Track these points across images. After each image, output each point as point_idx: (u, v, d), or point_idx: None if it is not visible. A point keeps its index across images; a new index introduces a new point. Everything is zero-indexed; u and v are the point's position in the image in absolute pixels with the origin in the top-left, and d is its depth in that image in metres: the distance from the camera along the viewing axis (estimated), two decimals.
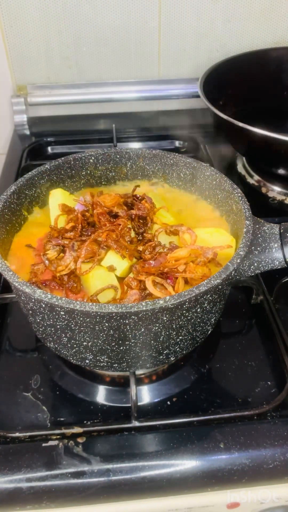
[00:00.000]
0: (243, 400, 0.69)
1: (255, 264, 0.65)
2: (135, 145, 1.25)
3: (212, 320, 0.66)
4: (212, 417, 0.66)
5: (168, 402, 0.69)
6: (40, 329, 0.64)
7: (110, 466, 0.61)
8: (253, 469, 0.62)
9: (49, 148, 1.26)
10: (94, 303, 0.54)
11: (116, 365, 0.63)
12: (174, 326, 0.59)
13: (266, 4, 1.22)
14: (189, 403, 0.69)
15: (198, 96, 1.03)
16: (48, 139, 1.26)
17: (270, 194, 1.07)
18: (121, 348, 0.60)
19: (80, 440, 0.63)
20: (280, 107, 1.23)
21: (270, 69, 1.22)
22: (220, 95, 1.10)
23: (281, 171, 1.00)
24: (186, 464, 0.61)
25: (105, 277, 0.65)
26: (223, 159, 1.19)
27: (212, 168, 0.76)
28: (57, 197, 0.75)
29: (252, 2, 1.22)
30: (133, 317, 0.55)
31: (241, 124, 0.90)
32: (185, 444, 0.63)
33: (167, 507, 0.66)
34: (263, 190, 1.08)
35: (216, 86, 1.08)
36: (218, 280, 0.56)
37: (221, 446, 0.62)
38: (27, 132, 1.30)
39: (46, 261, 0.67)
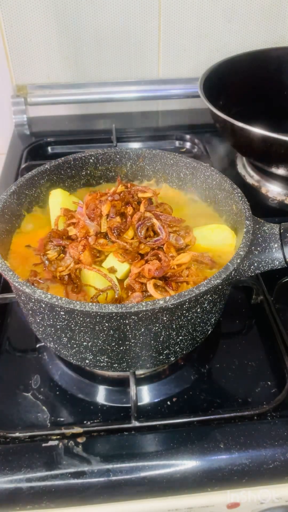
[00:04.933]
0: (243, 400, 0.69)
1: (255, 264, 0.65)
2: (135, 145, 1.25)
3: (212, 320, 0.66)
4: (212, 417, 0.66)
5: (168, 402, 0.69)
6: (40, 329, 0.64)
7: (110, 466, 0.61)
8: (253, 469, 0.62)
9: (49, 148, 1.26)
10: (94, 303, 0.54)
11: (116, 365, 0.63)
12: (174, 326, 0.59)
13: (266, 4, 1.22)
14: (189, 403, 0.69)
15: (198, 96, 1.03)
16: (48, 139, 1.26)
17: (270, 194, 1.07)
18: (121, 348, 0.60)
19: (80, 440, 0.63)
20: (280, 107, 1.23)
21: (270, 69, 1.22)
22: (220, 95, 1.10)
23: (281, 171, 1.00)
24: (186, 464, 0.61)
25: (101, 279, 0.65)
26: (223, 159, 1.19)
27: (212, 168, 0.76)
28: (57, 198, 0.75)
29: (252, 2, 1.22)
30: (133, 317, 0.55)
31: (241, 124, 0.90)
32: (185, 444, 0.63)
33: (167, 507, 0.66)
34: (263, 190, 1.08)
35: (216, 86, 1.08)
36: (218, 280, 0.56)
37: (221, 446, 0.62)
38: (27, 132, 1.30)
39: (46, 261, 0.67)
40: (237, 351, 0.76)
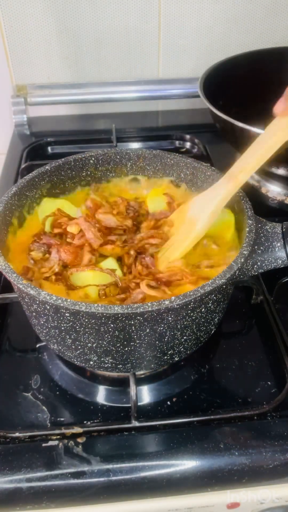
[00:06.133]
0: (243, 400, 0.69)
1: (258, 263, 0.65)
2: (135, 145, 1.25)
3: (216, 319, 0.67)
4: (212, 417, 0.66)
5: (168, 402, 0.69)
6: (44, 331, 0.64)
7: (110, 466, 0.61)
8: (253, 469, 0.62)
9: (49, 148, 1.26)
10: (100, 304, 0.54)
11: (121, 366, 0.63)
12: (179, 326, 0.59)
13: (266, 4, 1.22)
14: (189, 403, 0.69)
15: (198, 96, 1.03)
16: (48, 139, 1.25)
17: (270, 194, 1.07)
18: (126, 349, 0.60)
19: (80, 440, 0.63)
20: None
21: (270, 69, 1.22)
22: (220, 95, 1.09)
23: (281, 171, 1.00)
24: (186, 464, 0.61)
25: (102, 277, 0.65)
26: (223, 159, 1.19)
27: (212, 168, 0.76)
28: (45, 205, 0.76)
29: (252, 1, 1.22)
30: (138, 317, 0.55)
31: (241, 124, 0.90)
32: (185, 444, 0.63)
33: (167, 507, 0.66)
34: (263, 190, 1.08)
35: (216, 86, 1.08)
36: (222, 280, 0.56)
37: (221, 446, 0.62)
38: (27, 132, 1.30)
39: (32, 261, 0.67)
40: (237, 351, 0.76)
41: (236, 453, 0.62)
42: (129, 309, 0.53)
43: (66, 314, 0.56)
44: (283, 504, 0.69)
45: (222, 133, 1.06)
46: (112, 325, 0.56)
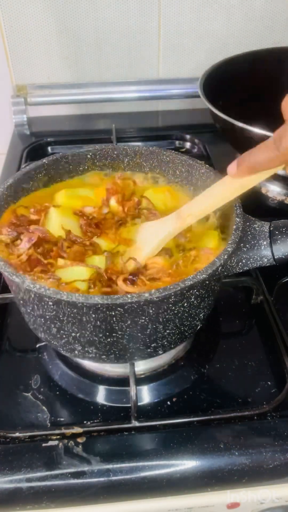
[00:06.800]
0: (243, 400, 0.69)
1: (243, 261, 0.65)
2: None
3: (201, 315, 0.66)
4: (212, 417, 0.66)
5: (168, 402, 0.69)
6: (31, 319, 0.64)
7: (110, 466, 0.61)
8: (253, 469, 0.62)
9: (49, 148, 1.26)
10: (80, 294, 0.54)
11: (104, 356, 0.63)
12: (160, 320, 0.59)
13: (266, 4, 1.22)
14: (189, 403, 0.69)
15: (198, 96, 1.03)
16: (48, 139, 1.26)
17: (270, 194, 1.07)
18: (109, 340, 0.60)
19: (80, 440, 0.63)
20: (280, 107, 1.22)
21: (270, 69, 1.22)
22: (220, 95, 1.09)
23: (281, 171, 1.00)
24: (186, 464, 0.61)
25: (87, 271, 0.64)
26: (223, 159, 1.19)
27: (206, 166, 0.76)
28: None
29: (252, 1, 1.22)
30: (119, 309, 0.55)
31: (241, 124, 0.90)
32: (185, 444, 0.63)
33: (167, 507, 0.66)
34: (263, 190, 1.08)
35: (216, 86, 1.08)
36: (204, 275, 0.56)
37: (221, 446, 0.62)
38: (27, 132, 1.30)
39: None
40: (237, 351, 0.76)
41: (236, 453, 0.62)
42: (109, 300, 0.53)
43: (50, 303, 0.56)
44: (283, 504, 0.69)
45: (222, 133, 1.06)
46: (93, 315, 0.56)
